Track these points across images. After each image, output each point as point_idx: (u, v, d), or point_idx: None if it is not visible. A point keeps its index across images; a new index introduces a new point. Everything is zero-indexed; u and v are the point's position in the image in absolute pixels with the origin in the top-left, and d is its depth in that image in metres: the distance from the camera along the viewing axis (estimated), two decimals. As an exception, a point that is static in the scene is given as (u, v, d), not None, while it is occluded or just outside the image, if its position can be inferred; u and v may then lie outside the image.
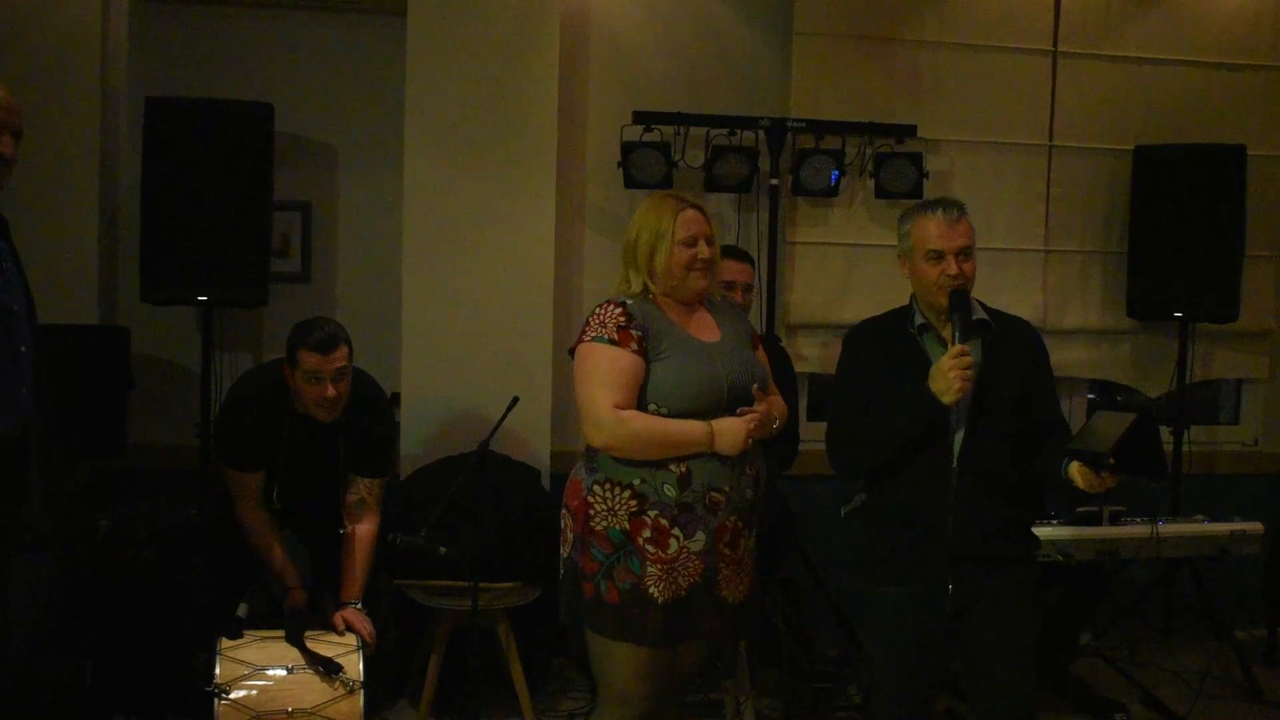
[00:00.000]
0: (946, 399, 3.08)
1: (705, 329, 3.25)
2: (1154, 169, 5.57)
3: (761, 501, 3.30)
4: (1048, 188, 5.78)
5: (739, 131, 5.32)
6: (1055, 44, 5.75)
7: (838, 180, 5.40)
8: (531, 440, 5.16)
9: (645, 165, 5.23)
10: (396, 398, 5.20)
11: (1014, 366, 3.27)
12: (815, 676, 4.96)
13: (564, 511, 3.25)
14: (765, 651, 4.77)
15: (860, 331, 3.46)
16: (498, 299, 5.18)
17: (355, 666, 3.76)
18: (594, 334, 3.14)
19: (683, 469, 3.09)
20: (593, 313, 3.19)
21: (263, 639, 3.80)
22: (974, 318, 3.25)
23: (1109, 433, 2.97)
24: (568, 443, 5.41)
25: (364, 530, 4.15)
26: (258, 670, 3.69)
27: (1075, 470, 3.05)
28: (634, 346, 3.10)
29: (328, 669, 3.71)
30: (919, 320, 3.32)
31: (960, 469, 3.15)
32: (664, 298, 3.23)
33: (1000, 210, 5.69)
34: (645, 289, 3.22)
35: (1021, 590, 3.28)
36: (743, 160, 5.29)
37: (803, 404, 5.62)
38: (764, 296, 5.43)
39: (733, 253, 4.57)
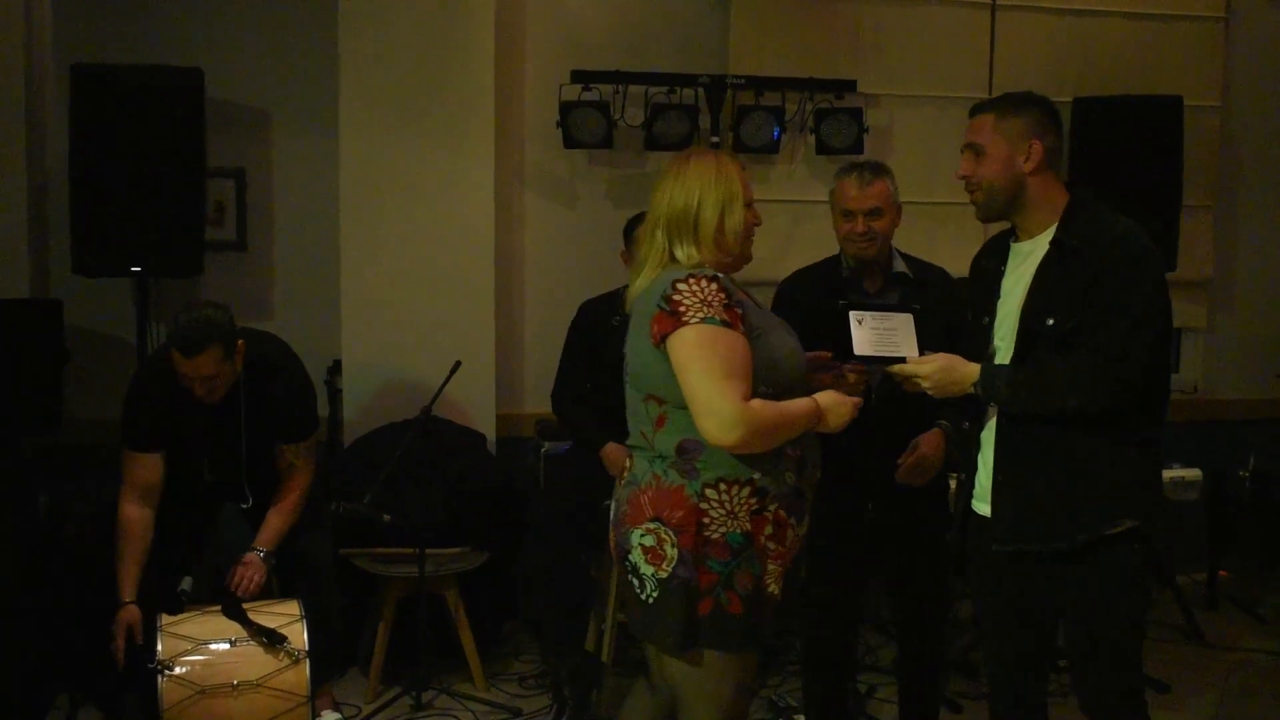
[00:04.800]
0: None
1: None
2: (1092, 121, 5.59)
3: None
4: (988, 141, 5.79)
5: (678, 89, 5.28)
6: (993, -4, 5.76)
7: (779, 137, 5.38)
8: (475, 404, 5.14)
9: (585, 125, 5.19)
10: (338, 365, 5.17)
11: (931, 315, 3.32)
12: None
13: (654, 528, 2.78)
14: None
15: (794, 279, 3.81)
16: (438, 262, 5.14)
17: (300, 636, 3.74)
18: (702, 314, 2.69)
19: (797, 453, 2.84)
20: (675, 289, 2.72)
21: (204, 613, 3.77)
22: (894, 270, 3.64)
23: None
24: (512, 406, 5.40)
25: (290, 485, 4.11)
26: (201, 645, 3.65)
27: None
28: (741, 327, 2.73)
29: (271, 640, 3.68)
30: (845, 272, 3.67)
31: (880, 413, 3.39)
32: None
33: (941, 164, 5.66)
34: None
35: (927, 526, 3.67)
36: (683, 118, 5.25)
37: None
38: (707, 255, 5.41)
39: None
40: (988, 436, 3.03)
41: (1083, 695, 3.02)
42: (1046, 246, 2.93)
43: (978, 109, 3.06)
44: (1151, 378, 2.83)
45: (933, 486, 3.63)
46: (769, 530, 2.79)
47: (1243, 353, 6.23)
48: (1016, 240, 3.06)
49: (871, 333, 2.98)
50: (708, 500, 2.75)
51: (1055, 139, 3.00)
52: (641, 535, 2.80)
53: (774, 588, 2.82)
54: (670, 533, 2.76)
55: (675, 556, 2.76)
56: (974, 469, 3.10)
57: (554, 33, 5.45)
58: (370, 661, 4.51)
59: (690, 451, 2.77)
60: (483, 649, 4.65)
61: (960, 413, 3.22)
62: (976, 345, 3.05)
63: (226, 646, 3.67)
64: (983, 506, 3.05)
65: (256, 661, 3.66)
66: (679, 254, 2.84)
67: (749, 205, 2.89)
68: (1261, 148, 6.13)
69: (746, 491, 2.76)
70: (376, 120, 5.07)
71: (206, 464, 4.08)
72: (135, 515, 3.95)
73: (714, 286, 2.73)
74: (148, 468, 3.98)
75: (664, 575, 2.77)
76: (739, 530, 2.75)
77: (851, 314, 2.99)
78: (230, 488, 4.12)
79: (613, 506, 2.95)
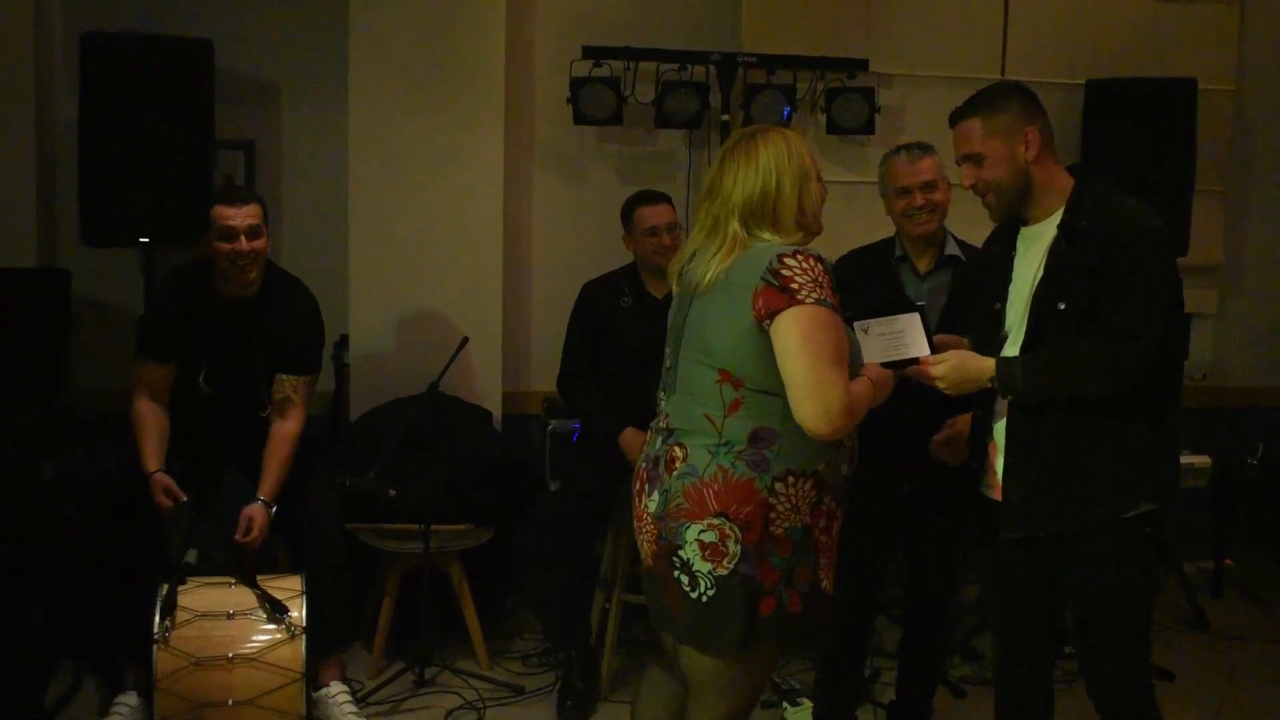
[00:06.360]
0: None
1: None
2: (1105, 103, 5.55)
3: None
4: (1000, 122, 5.75)
5: (690, 66, 5.25)
6: (1007, -24, 5.71)
7: (789, 116, 5.33)
8: (482, 381, 5.13)
9: (595, 101, 5.15)
10: (345, 340, 5.15)
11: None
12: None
13: (718, 523, 2.65)
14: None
15: (846, 260, 3.85)
16: (446, 238, 5.12)
17: (299, 611, 3.74)
18: (816, 295, 2.59)
19: (850, 442, 2.77)
20: (784, 264, 2.61)
21: (205, 585, 3.76)
22: (946, 252, 3.75)
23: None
24: (519, 384, 5.39)
25: (285, 429, 4.09)
26: (198, 616, 3.65)
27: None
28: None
29: (275, 609, 3.69)
30: (898, 252, 3.77)
31: (921, 396, 3.22)
32: None
33: (952, 146, 5.63)
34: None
35: (953, 511, 3.64)
36: (693, 96, 5.22)
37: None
38: (716, 234, 5.39)
39: (650, 197, 4.51)
40: (999, 424, 3.01)
41: (1090, 680, 3.01)
42: (1055, 230, 2.91)
43: (958, 116, 3.02)
44: (1162, 355, 2.81)
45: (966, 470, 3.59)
46: (823, 523, 2.73)
47: (1253, 339, 6.19)
48: (1025, 225, 3.03)
49: (879, 339, 2.95)
50: (776, 495, 2.66)
51: (1044, 120, 2.97)
52: (702, 531, 2.67)
53: (826, 583, 2.77)
54: (736, 528, 2.65)
55: (738, 553, 2.65)
56: (983, 455, 3.08)
57: (565, 8, 5.41)
58: (373, 637, 4.51)
59: (763, 440, 2.66)
60: (486, 626, 4.64)
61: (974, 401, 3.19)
62: (989, 331, 3.03)
63: (224, 619, 3.67)
64: (992, 492, 3.03)
65: (254, 635, 3.66)
66: (759, 235, 2.72)
67: (820, 180, 2.81)
68: (1275, 132, 6.07)
69: (810, 484, 2.68)
70: (386, 94, 5.04)
71: (214, 378, 4.09)
72: (148, 407, 4.02)
73: (820, 266, 2.63)
74: (158, 375, 4.04)
75: (724, 572, 2.66)
76: (800, 524, 2.69)
77: (855, 325, 2.95)
78: (244, 397, 4.12)
79: (656, 498, 2.78)
